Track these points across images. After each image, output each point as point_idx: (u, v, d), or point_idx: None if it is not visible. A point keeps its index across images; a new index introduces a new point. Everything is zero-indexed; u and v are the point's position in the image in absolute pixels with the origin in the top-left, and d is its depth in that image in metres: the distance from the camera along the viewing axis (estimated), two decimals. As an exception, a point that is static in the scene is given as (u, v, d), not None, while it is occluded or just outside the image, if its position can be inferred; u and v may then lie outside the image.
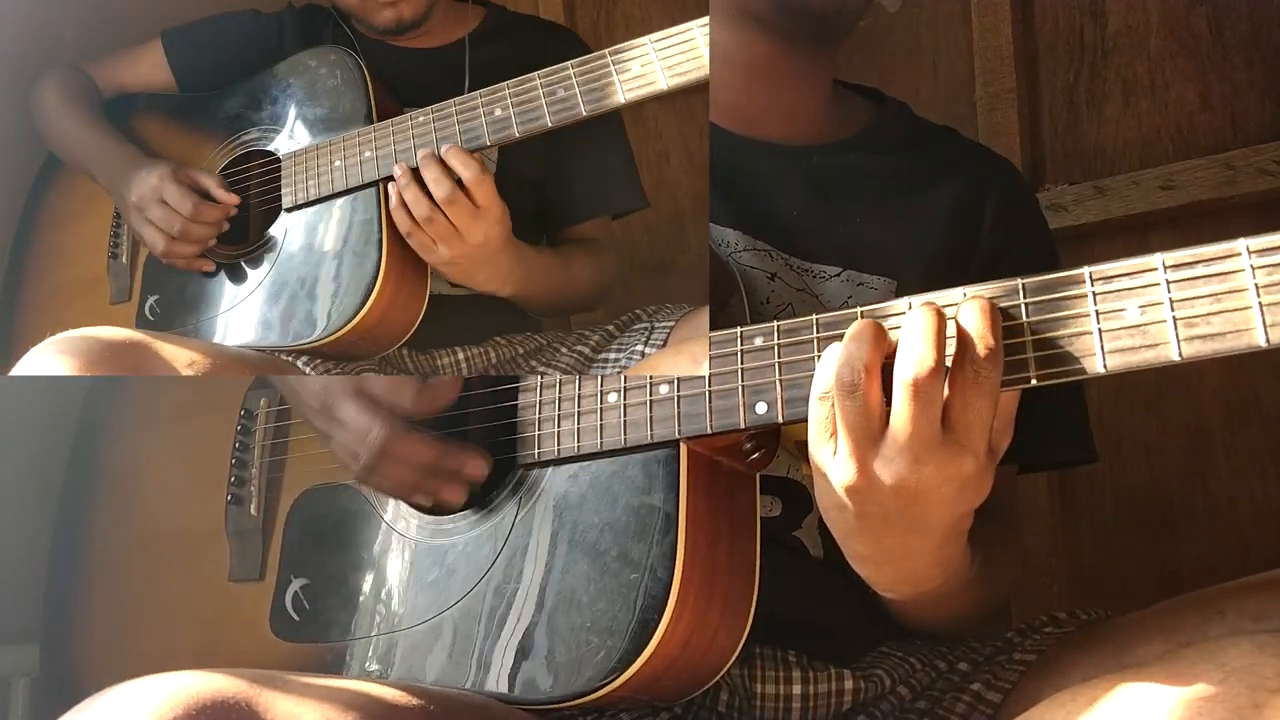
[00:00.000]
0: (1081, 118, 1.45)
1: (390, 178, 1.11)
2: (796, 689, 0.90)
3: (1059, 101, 1.47)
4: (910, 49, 1.54)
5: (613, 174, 1.34)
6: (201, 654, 1.01)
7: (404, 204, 1.08)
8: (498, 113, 1.05)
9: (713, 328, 0.81)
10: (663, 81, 0.98)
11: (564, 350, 1.18)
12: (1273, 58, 1.35)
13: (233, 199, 1.21)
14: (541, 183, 1.31)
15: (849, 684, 0.91)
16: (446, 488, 0.89)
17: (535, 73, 1.04)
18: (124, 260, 1.32)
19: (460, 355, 1.20)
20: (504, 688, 0.82)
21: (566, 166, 1.29)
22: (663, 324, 1.05)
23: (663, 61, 0.98)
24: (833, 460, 0.70)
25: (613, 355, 1.08)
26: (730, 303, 0.90)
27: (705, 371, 0.80)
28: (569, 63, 1.02)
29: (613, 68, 1.00)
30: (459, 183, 1.06)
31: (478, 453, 0.89)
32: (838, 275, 1.00)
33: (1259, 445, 1.35)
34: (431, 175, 1.06)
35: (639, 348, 1.04)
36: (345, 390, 0.90)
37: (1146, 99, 1.42)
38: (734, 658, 0.83)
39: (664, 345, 1.02)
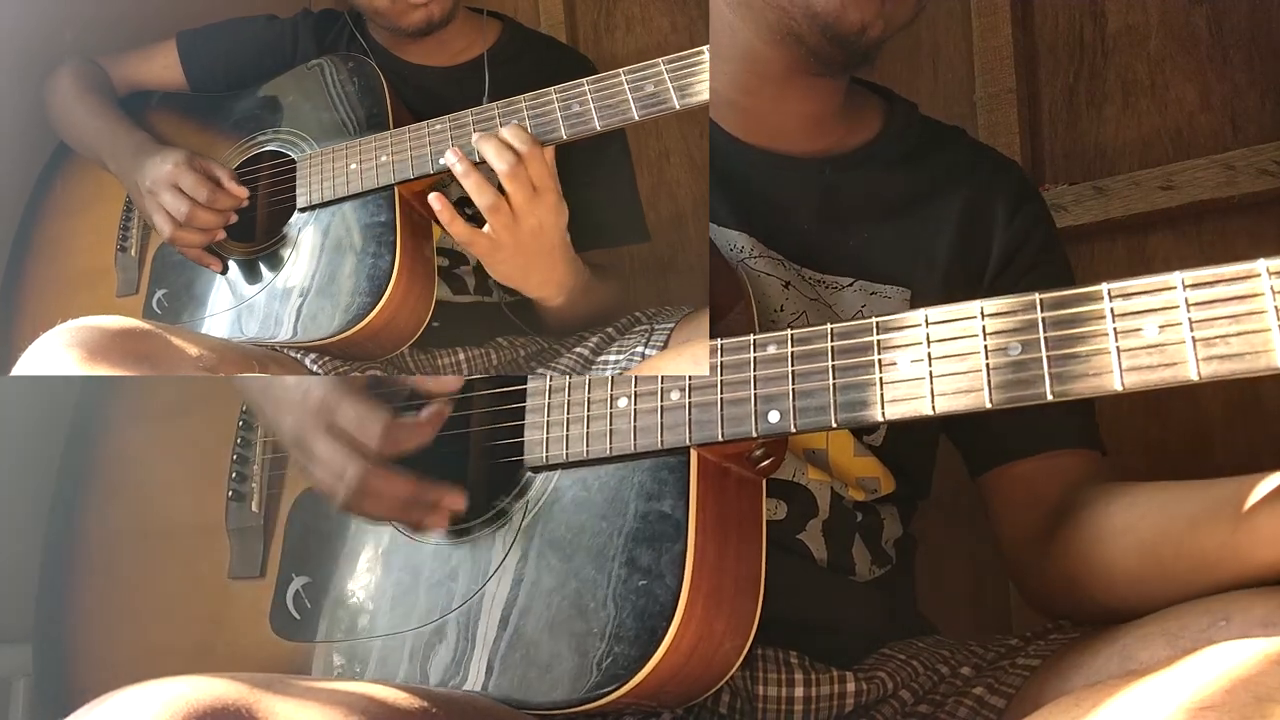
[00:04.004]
0: (1081, 118, 1.45)
1: (405, 180, 1.12)
2: (799, 691, 0.90)
3: (1059, 101, 1.46)
4: (910, 49, 1.53)
5: (617, 207, 1.34)
6: (201, 652, 1.01)
7: (459, 213, 1.05)
8: (514, 124, 1.06)
9: (719, 335, 0.81)
10: (675, 101, 1.00)
11: (564, 352, 1.18)
12: (1273, 58, 1.35)
13: (243, 191, 1.21)
14: None
15: (851, 686, 0.91)
16: (428, 518, 0.89)
17: (552, 87, 1.06)
18: (133, 253, 1.32)
19: (461, 356, 1.20)
20: (508, 691, 0.81)
21: (572, 197, 1.29)
22: (663, 325, 1.05)
23: (676, 82, 1.00)
24: None
25: (613, 357, 1.08)
26: (735, 309, 0.90)
27: (707, 371, 0.79)
28: (585, 79, 1.04)
29: (627, 86, 1.02)
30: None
31: (454, 487, 0.89)
32: (850, 285, 1.01)
33: (1259, 446, 1.35)
34: (492, 149, 1.03)
35: (639, 349, 1.03)
36: (318, 425, 0.89)
37: (1146, 99, 1.42)
38: (738, 664, 0.83)
39: (664, 347, 1.02)
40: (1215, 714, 0.60)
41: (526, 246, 1.06)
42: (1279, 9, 1.35)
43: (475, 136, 1.06)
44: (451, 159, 1.06)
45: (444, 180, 1.20)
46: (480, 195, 1.04)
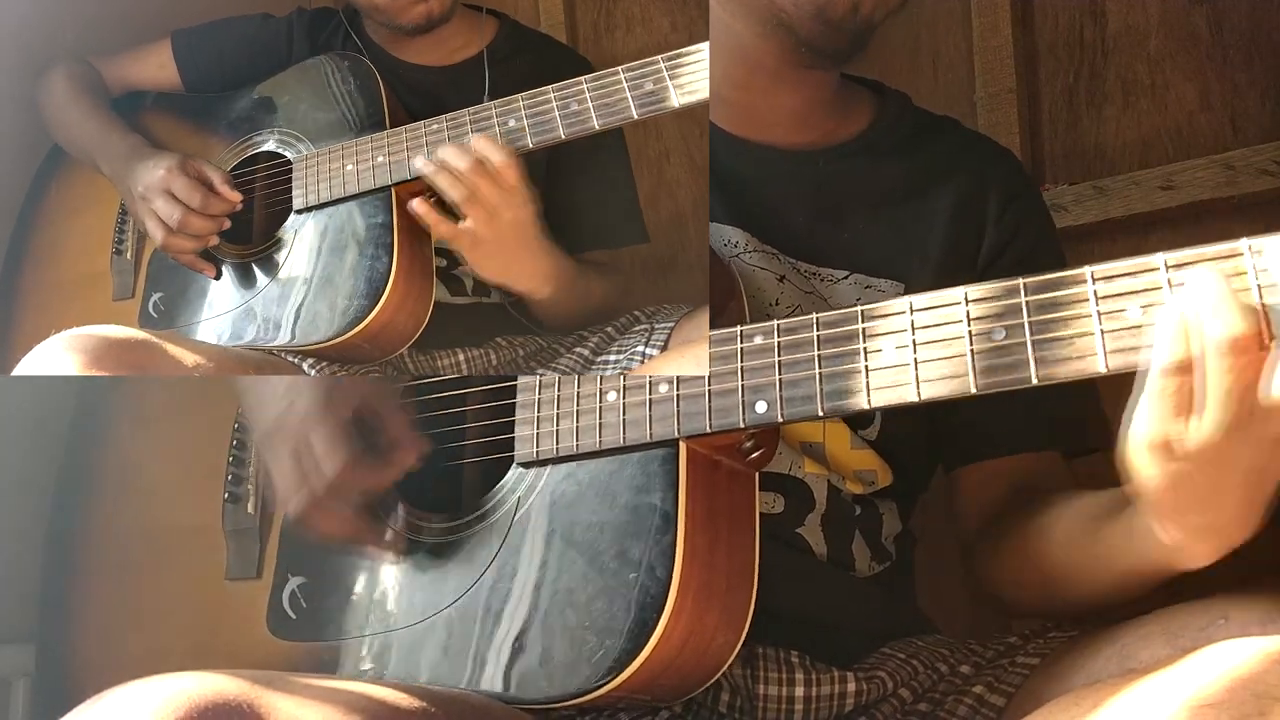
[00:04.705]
0: (1081, 118, 1.45)
1: (403, 181, 1.12)
2: (799, 690, 0.90)
3: (1059, 101, 1.46)
4: (910, 49, 1.54)
5: (616, 208, 1.34)
6: (198, 653, 1.01)
7: (437, 207, 1.08)
8: (511, 124, 1.06)
9: (712, 330, 0.81)
10: (674, 100, 1.00)
11: (564, 352, 1.18)
12: (1273, 58, 1.35)
13: (236, 195, 1.20)
14: (546, 209, 1.31)
15: (851, 686, 0.91)
16: (368, 550, 0.94)
17: (549, 86, 1.05)
18: (128, 256, 1.32)
19: (460, 356, 1.20)
20: (502, 687, 0.81)
21: (571, 197, 1.29)
22: (663, 325, 1.05)
23: (674, 80, 0.99)
24: (1185, 428, 0.64)
25: (613, 357, 1.08)
26: (729, 306, 0.90)
27: (708, 371, 0.79)
28: (583, 78, 1.04)
29: (625, 85, 1.01)
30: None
31: (392, 534, 0.93)
32: (845, 278, 1.01)
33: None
34: (452, 151, 1.06)
35: (640, 349, 1.03)
36: (288, 439, 0.91)
37: (1146, 99, 1.42)
38: (732, 658, 0.83)
39: (665, 346, 1.02)
40: (1215, 712, 0.60)
41: (507, 239, 1.09)
42: (1279, 9, 1.35)
43: (441, 148, 1.08)
44: (419, 164, 1.09)
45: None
46: (454, 190, 1.06)
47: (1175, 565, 0.76)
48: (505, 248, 1.09)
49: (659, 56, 1.01)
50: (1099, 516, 0.83)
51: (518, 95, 1.07)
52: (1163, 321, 0.64)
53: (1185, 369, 0.63)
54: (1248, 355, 0.61)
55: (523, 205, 1.07)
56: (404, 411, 0.94)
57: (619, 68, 1.02)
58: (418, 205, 1.09)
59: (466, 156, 1.05)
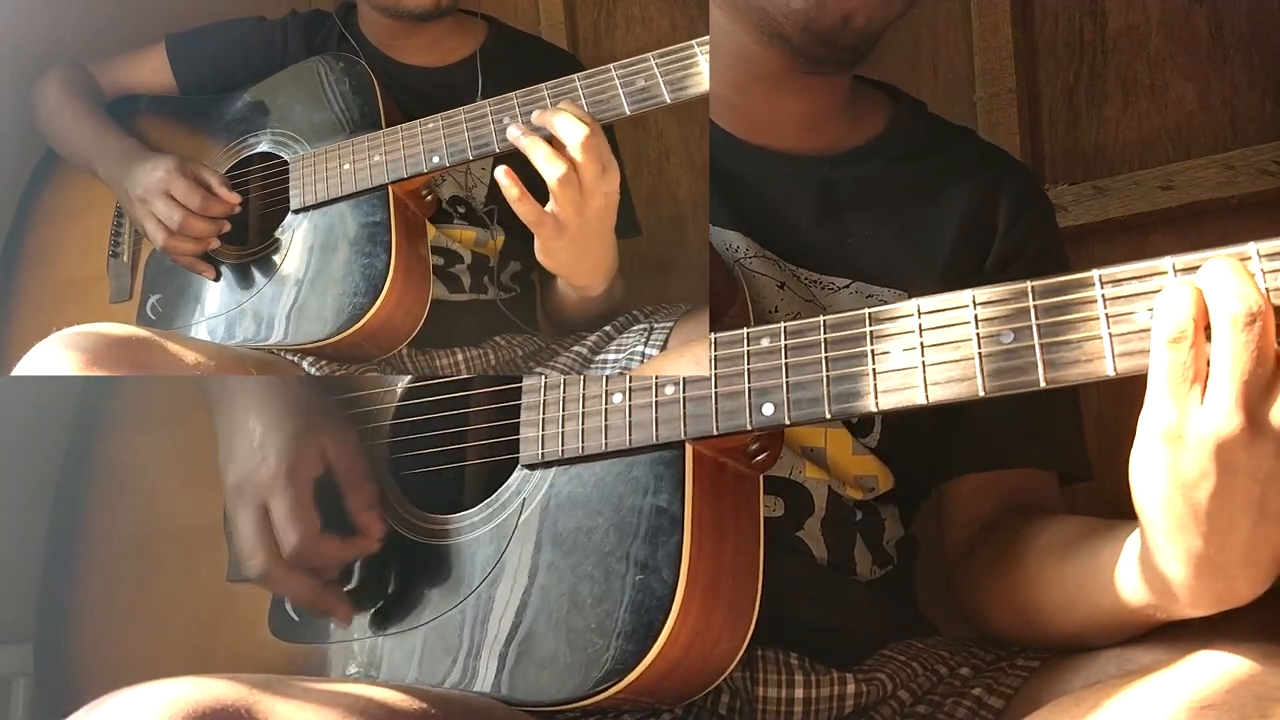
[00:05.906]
0: (1081, 118, 1.45)
1: (400, 180, 1.12)
2: (799, 692, 0.90)
3: (1059, 101, 1.46)
4: (910, 49, 1.53)
5: None
6: (199, 655, 1.01)
7: (526, 194, 0.99)
8: (506, 121, 1.05)
9: (713, 331, 0.81)
10: (666, 96, 0.99)
11: (562, 351, 1.18)
12: (1273, 58, 1.35)
13: (235, 197, 1.20)
14: None
15: (850, 688, 0.91)
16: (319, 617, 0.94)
17: (543, 84, 1.05)
18: (125, 259, 1.32)
19: (459, 356, 1.20)
20: (507, 689, 0.81)
21: None
22: (662, 324, 1.05)
23: (666, 77, 0.99)
24: (1199, 411, 0.61)
25: (611, 356, 1.08)
26: (731, 311, 0.89)
27: (708, 372, 0.79)
28: (576, 75, 1.03)
29: (618, 81, 1.01)
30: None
31: (344, 604, 0.92)
32: (846, 287, 1.00)
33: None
34: (563, 120, 0.98)
35: (639, 348, 1.03)
36: (252, 499, 0.90)
37: (1146, 99, 1.42)
38: (736, 660, 0.83)
39: (664, 346, 1.02)
40: (1215, 713, 0.60)
41: (590, 228, 1.00)
42: (1279, 9, 1.35)
43: (535, 113, 1.02)
44: (515, 133, 1.02)
45: (437, 180, 1.20)
46: (551, 166, 0.97)
47: (1167, 608, 0.71)
48: (585, 236, 1.01)
49: (650, 54, 1.00)
50: (1092, 540, 0.80)
51: (512, 94, 1.06)
52: (1165, 297, 0.63)
53: (1190, 342, 0.61)
54: (1264, 335, 0.59)
55: (613, 190, 1.00)
56: (370, 486, 0.93)
57: (610, 65, 1.02)
58: (505, 175, 0.99)
59: (580, 127, 0.96)
